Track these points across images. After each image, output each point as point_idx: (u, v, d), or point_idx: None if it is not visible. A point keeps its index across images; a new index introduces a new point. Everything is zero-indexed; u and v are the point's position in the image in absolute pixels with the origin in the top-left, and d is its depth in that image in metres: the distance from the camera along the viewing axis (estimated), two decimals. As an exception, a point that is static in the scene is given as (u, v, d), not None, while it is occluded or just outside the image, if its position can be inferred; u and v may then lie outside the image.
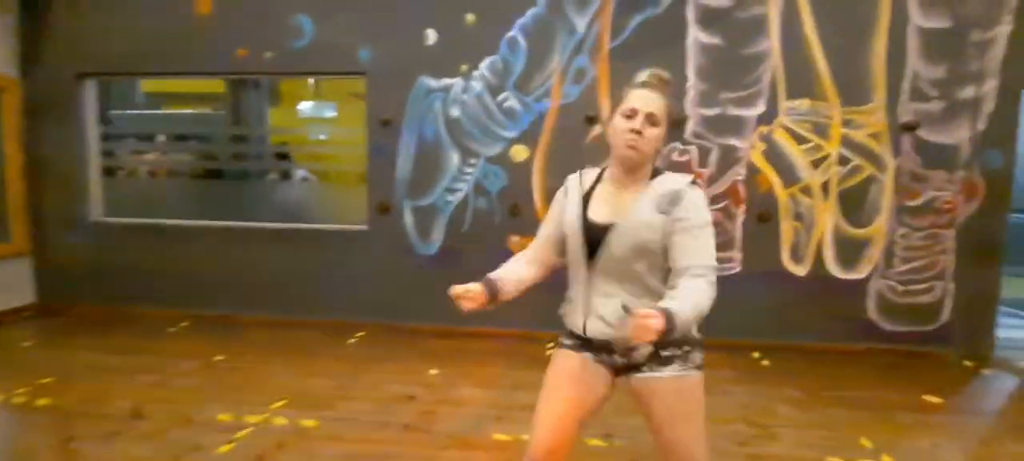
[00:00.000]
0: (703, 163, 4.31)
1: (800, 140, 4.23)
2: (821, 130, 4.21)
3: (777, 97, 4.21)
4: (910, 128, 4.10)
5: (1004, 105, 4.03)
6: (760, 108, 4.23)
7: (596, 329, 1.66)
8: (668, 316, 1.35)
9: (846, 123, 4.18)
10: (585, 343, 1.73)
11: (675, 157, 4.29)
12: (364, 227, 4.76)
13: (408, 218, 4.67)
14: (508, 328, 4.40)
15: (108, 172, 5.24)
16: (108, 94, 5.76)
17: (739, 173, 4.30)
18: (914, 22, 4.04)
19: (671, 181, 1.63)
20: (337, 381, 3.63)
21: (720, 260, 3.81)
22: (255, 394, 3.38)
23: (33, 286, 5.16)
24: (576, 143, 4.37)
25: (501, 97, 4.46)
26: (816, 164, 4.24)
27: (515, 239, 4.50)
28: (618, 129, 1.62)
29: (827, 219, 4.27)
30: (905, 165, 4.16)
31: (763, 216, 4.30)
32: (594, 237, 1.64)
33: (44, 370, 3.69)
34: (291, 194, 5.32)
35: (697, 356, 1.68)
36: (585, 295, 1.68)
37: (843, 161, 4.21)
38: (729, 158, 4.29)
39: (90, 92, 5.05)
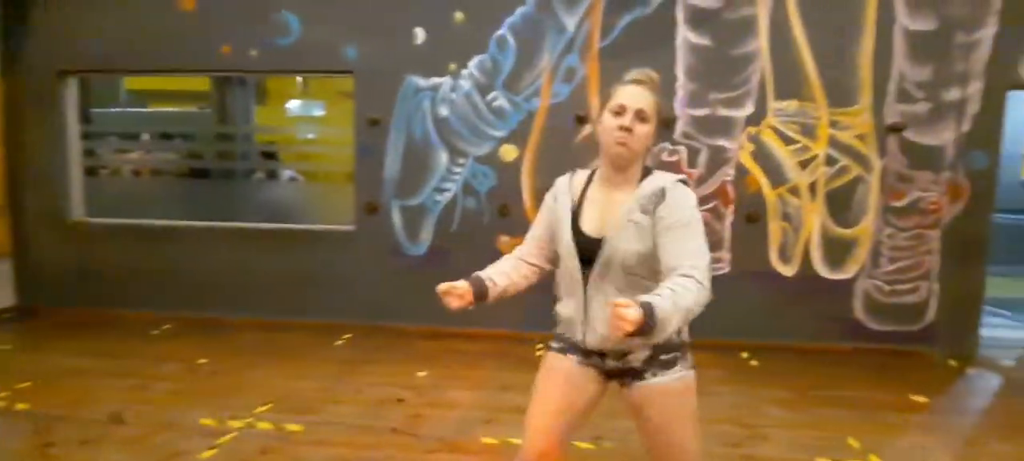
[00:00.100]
0: (692, 164, 4.31)
1: (788, 141, 4.25)
2: (809, 131, 4.23)
3: (766, 98, 4.22)
4: (896, 130, 4.14)
5: (988, 106, 4.07)
6: (749, 109, 4.24)
7: (596, 340, 1.64)
8: (647, 310, 1.30)
9: (833, 124, 4.20)
10: (578, 347, 1.70)
11: (664, 157, 4.29)
12: (352, 227, 4.72)
13: (396, 218, 4.64)
14: (497, 329, 4.38)
15: (91, 172, 5.16)
16: (89, 92, 5.68)
17: (728, 174, 4.31)
18: (900, 23, 4.07)
19: (659, 180, 1.60)
20: (323, 384, 3.58)
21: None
22: (239, 398, 3.33)
23: (13, 287, 5.06)
24: (565, 143, 4.36)
25: (490, 96, 4.43)
26: (804, 165, 4.26)
27: (504, 239, 4.47)
28: (607, 127, 1.59)
29: (814, 219, 4.29)
30: (891, 166, 4.19)
31: (752, 216, 4.32)
32: (587, 252, 1.61)
33: (23, 374, 3.62)
34: (278, 194, 5.27)
35: (690, 357, 1.68)
36: (582, 307, 1.65)
37: (830, 162, 4.23)
38: (718, 159, 4.30)
39: (71, 90, 4.96)
